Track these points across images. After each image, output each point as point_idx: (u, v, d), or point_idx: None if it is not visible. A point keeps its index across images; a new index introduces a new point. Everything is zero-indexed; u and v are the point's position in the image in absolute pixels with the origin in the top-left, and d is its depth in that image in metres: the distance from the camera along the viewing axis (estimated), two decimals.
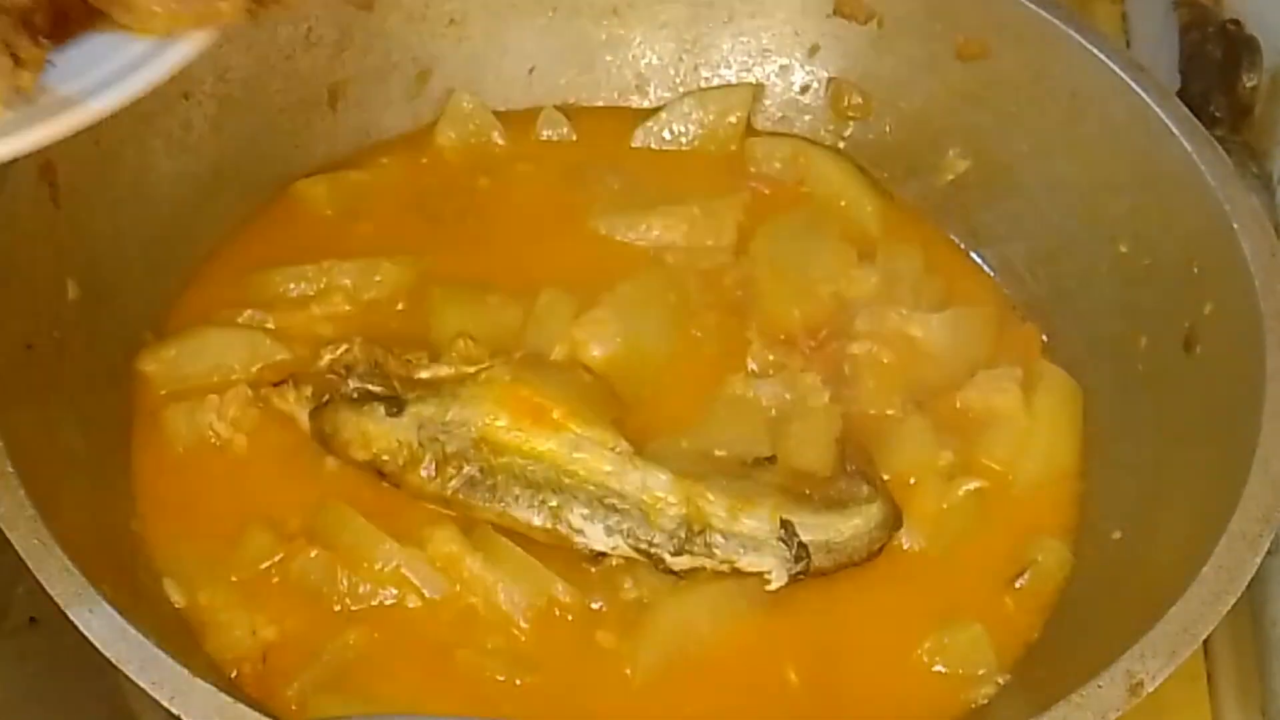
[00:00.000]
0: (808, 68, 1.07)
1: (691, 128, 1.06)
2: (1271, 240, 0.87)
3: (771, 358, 0.94)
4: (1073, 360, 0.96)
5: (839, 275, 0.98)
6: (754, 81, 1.08)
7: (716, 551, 0.84)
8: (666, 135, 1.06)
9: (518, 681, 0.82)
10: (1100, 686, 0.72)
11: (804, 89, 1.07)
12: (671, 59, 1.08)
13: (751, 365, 0.94)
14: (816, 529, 0.86)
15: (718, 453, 0.90)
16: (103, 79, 0.67)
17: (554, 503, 0.85)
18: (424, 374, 0.89)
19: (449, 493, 0.86)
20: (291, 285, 0.96)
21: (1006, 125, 1.00)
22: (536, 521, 0.85)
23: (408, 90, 1.05)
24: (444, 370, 0.89)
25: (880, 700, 0.83)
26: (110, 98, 0.66)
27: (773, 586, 0.85)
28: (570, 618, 0.84)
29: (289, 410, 0.89)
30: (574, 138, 1.06)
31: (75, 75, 0.67)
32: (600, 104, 1.08)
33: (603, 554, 0.85)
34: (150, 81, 0.67)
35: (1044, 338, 0.99)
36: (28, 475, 0.76)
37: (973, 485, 0.90)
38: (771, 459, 0.89)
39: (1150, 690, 0.73)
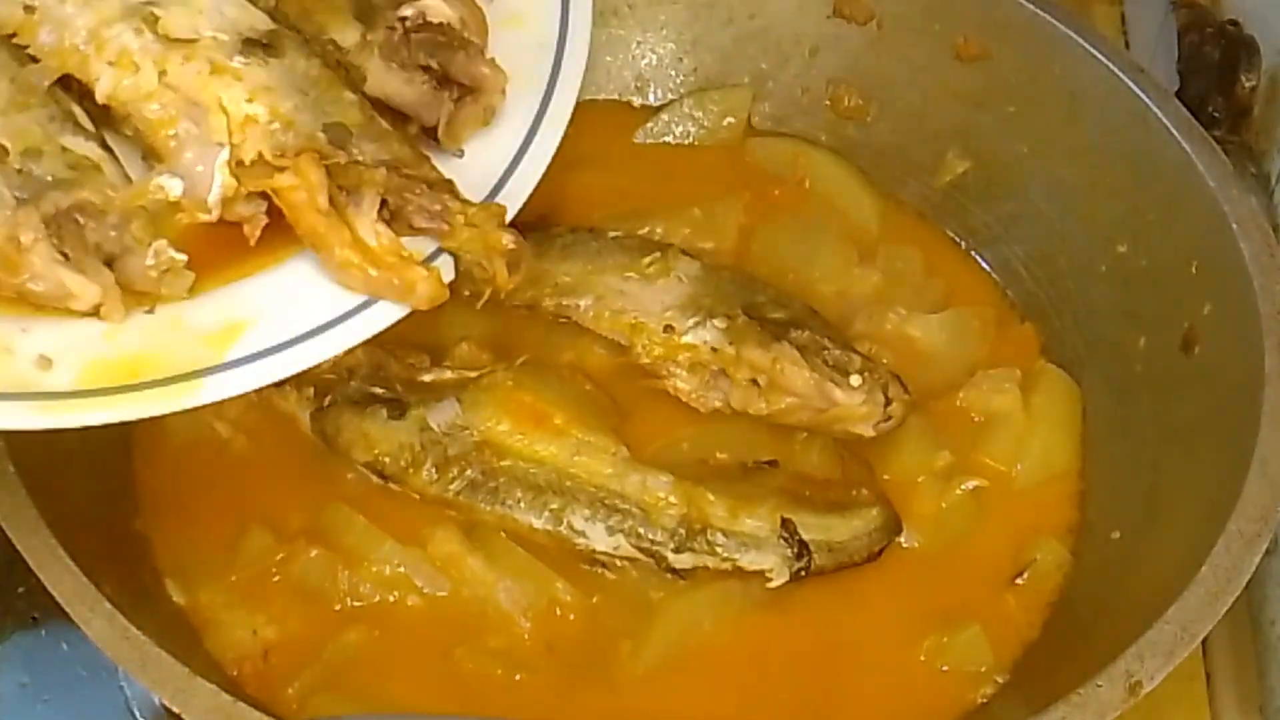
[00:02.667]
0: (807, 69, 1.07)
1: (691, 128, 1.07)
2: (1270, 241, 0.87)
3: None
4: (1071, 360, 0.97)
5: (839, 275, 0.98)
6: (753, 82, 1.08)
7: (718, 549, 0.85)
8: (667, 136, 1.07)
9: (517, 678, 0.82)
10: (1099, 686, 0.72)
11: (803, 90, 1.07)
12: (671, 59, 1.08)
13: None
14: (817, 529, 0.86)
15: (719, 456, 0.90)
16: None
17: (555, 505, 0.85)
18: (426, 377, 0.89)
19: (451, 495, 0.86)
20: None
21: (1005, 126, 1.00)
22: (538, 524, 0.85)
23: None
24: (446, 374, 0.89)
25: (880, 698, 0.83)
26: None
27: (774, 584, 0.85)
28: (571, 616, 0.84)
29: (290, 411, 0.89)
30: (574, 138, 1.06)
31: None
32: (600, 104, 1.08)
33: (604, 559, 0.85)
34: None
35: (1043, 338, 0.99)
36: (29, 475, 0.76)
37: (971, 484, 0.90)
38: (773, 463, 0.89)
39: (1149, 690, 0.73)
